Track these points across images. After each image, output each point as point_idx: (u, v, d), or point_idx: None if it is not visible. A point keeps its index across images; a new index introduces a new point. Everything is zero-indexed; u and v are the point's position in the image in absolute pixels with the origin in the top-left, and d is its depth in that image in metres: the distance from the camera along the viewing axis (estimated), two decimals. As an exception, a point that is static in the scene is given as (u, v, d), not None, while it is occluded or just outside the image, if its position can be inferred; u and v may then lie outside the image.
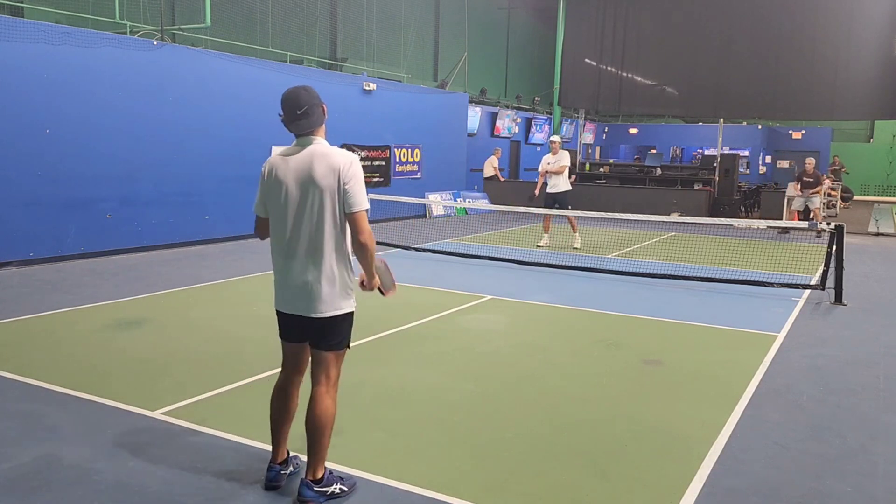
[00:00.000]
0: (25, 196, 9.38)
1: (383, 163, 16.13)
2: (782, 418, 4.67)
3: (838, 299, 8.27)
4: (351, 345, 3.50)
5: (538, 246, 12.16)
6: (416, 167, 17.33)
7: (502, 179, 20.73)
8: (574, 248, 11.95)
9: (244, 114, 12.41)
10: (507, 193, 19.10)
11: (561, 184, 12.29)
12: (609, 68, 19.25)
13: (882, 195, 29.80)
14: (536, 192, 12.88)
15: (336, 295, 3.33)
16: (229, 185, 12.26)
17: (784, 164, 29.38)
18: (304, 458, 3.51)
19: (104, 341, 6.04)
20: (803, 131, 30.26)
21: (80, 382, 4.98)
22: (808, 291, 8.74)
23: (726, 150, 21.96)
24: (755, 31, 17.52)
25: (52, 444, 3.99)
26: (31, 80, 9.36)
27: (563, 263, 10.16)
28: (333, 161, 3.33)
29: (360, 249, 3.33)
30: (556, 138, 12.70)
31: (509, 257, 10.52)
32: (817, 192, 15.04)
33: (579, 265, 10.12)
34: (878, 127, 29.98)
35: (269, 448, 3.71)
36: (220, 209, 12.14)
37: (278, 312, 3.47)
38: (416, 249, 11.57)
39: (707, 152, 27.22)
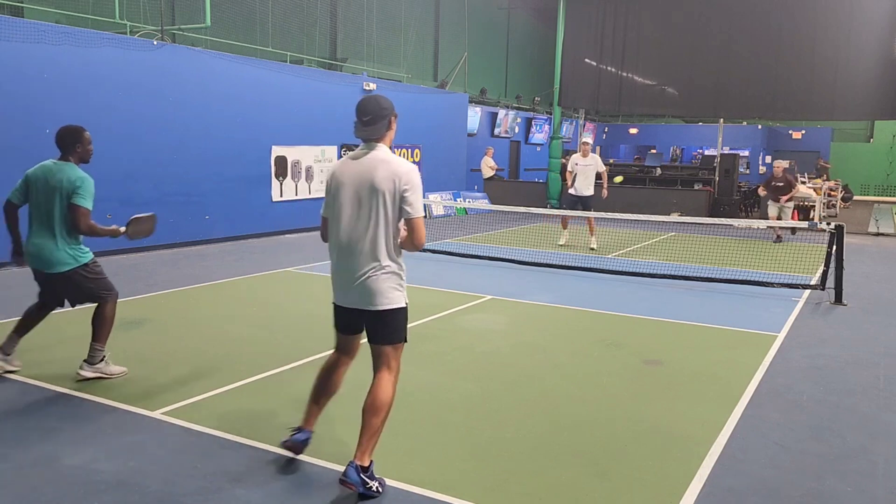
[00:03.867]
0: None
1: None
2: (782, 418, 4.67)
3: (838, 299, 8.27)
4: (360, 341, 3.65)
5: (560, 245, 12.20)
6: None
7: (500, 169, 20.89)
8: (591, 250, 11.96)
9: (244, 114, 12.41)
10: (508, 193, 19.10)
11: (591, 187, 12.26)
12: (609, 68, 19.24)
13: (882, 195, 29.79)
14: (570, 190, 12.51)
15: (389, 290, 3.54)
16: (229, 185, 12.26)
17: (784, 163, 29.34)
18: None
19: None
20: (803, 131, 30.25)
21: (80, 382, 4.98)
22: (808, 291, 8.74)
23: (726, 150, 21.97)
24: (755, 31, 17.51)
25: (52, 444, 3.99)
26: (31, 80, 9.36)
27: (563, 263, 10.16)
28: (395, 168, 3.52)
29: (412, 249, 3.61)
30: (588, 139, 12.71)
31: (509, 257, 10.52)
32: (790, 199, 13.92)
33: (579, 265, 10.13)
34: (878, 127, 29.97)
35: (269, 448, 3.79)
36: (220, 209, 12.14)
37: (336, 306, 3.70)
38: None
39: (707, 152, 27.21)
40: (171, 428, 4.26)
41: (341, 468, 3.72)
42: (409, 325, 6.55)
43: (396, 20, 19.07)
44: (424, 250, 11.39)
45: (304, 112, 13.73)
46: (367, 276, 3.52)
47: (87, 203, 4.74)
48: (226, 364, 5.49)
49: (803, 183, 19.14)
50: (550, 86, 20.89)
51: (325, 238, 3.74)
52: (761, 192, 14.65)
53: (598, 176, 12.38)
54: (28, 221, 4.90)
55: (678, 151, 30.76)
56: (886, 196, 29.69)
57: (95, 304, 5.05)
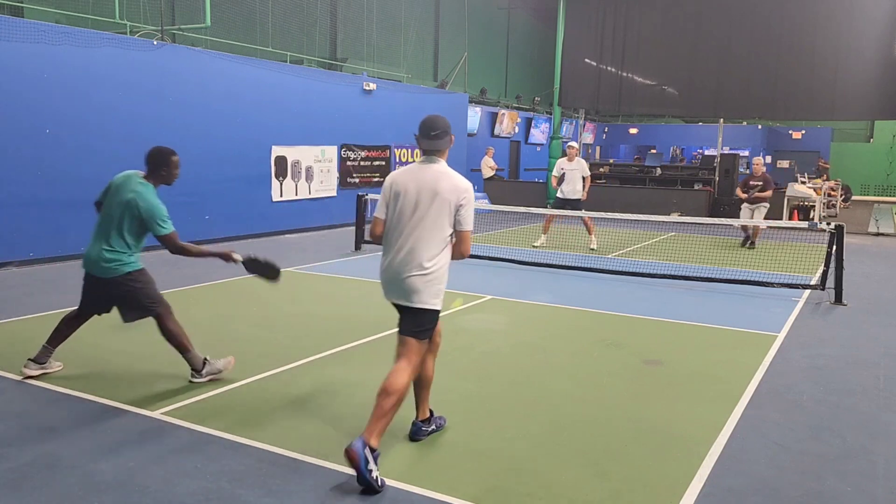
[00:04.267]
0: (25, 196, 9.37)
1: (383, 163, 16.13)
2: (782, 418, 4.67)
3: (838, 299, 8.27)
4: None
5: (534, 246, 12.18)
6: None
7: (500, 169, 20.88)
8: (591, 250, 11.95)
9: (244, 114, 12.41)
10: (508, 193, 19.09)
11: (578, 190, 12.25)
12: (609, 68, 19.23)
13: (882, 195, 29.79)
14: (557, 194, 12.49)
15: (428, 292, 3.84)
16: (229, 185, 12.26)
17: (784, 163, 29.36)
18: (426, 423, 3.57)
19: (104, 341, 6.04)
20: (803, 131, 30.26)
21: (80, 382, 4.98)
22: (808, 291, 8.74)
23: (726, 150, 21.96)
24: (755, 31, 17.51)
25: (52, 444, 3.99)
26: (31, 80, 9.36)
27: (563, 263, 10.16)
28: (456, 182, 3.90)
29: (458, 257, 3.99)
30: (574, 144, 12.68)
31: (509, 257, 10.52)
32: (764, 202, 12.86)
33: (579, 265, 10.13)
34: (878, 127, 29.97)
35: (270, 448, 3.84)
36: (220, 209, 12.14)
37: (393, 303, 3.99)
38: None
39: (707, 152, 27.22)
40: (171, 428, 4.26)
41: (340, 468, 3.73)
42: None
43: (396, 20, 19.07)
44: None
45: (304, 112, 13.73)
46: (412, 275, 3.81)
47: (166, 229, 4.79)
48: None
49: (803, 183, 19.14)
50: (550, 86, 20.89)
51: (374, 236, 4.05)
52: (740, 194, 13.18)
53: (583, 181, 12.36)
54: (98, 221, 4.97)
55: (678, 151, 30.77)
56: (886, 196, 29.69)
57: (155, 322, 5.00)
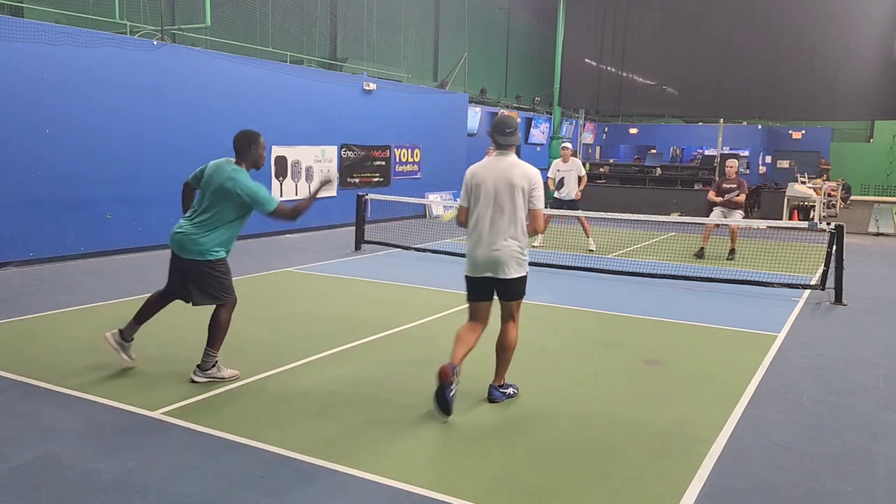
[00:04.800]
0: (25, 196, 9.37)
1: (383, 163, 16.13)
2: (782, 418, 4.67)
3: (838, 299, 8.27)
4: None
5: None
6: (416, 167, 17.32)
7: None
8: (589, 251, 11.94)
9: (244, 114, 12.39)
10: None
11: (574, 191, 12.27)
12: (609, 68, 19.24)
13: (882, 195, 29.79)
14: (555, 195, 12.47)
15: (515, 263, 4.63)
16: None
17: (784, 163, 29.36)
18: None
19: (104, 341, 6.03)
20: (803, 131, 30.24)
21: (80, 382, 4.98)
22: (808, 291, 8.74)
23: (726, 150, 21.97)
24: (755, 31, 17.52)
25: (52, 444, 3.99)
26: (31, 80, 9.35)
27: (563, 263, 10.15)
28: (526, 171, 4.65)
29: (533, 233, 4.77)
30: (568, 145, 12.67)
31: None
32: (739, 208, 11.71)
33: (579, 265, 10.12)
34: (878, 127, 29.97)
35: (270, 448, 3.84)
36: (220, 209, 12.13)
37: (469, 278, 4.75)
38: (416, 249, 11.57)
39: (707, 152, 27.20)
40: (171, 428, 4.26)
41: (341, 468, 3.73)
42: (409, 325, 6.56)
43: (396, 20, 19.06)
44: (425, 250, 11.46)
45: (304, 112, 13.73)
46: (499, 251, 4.58)
47: (272, 204, 4.95)
48: (226, 363, 5.49)
49: (803, 183, 19.14)
50: (550, 86, 20.90)
51: (460, 222, 4.83)
52: (713, 197, 11.82)
53: (579, 181, 12.37)
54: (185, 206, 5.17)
55: (678, 151, 30.75)
56: (886, 196, 29.69)
57: (215, 308, 5.12)
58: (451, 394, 4.36)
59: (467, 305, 4.84)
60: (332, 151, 14.56)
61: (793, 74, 17.19)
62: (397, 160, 16.60)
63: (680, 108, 20.05)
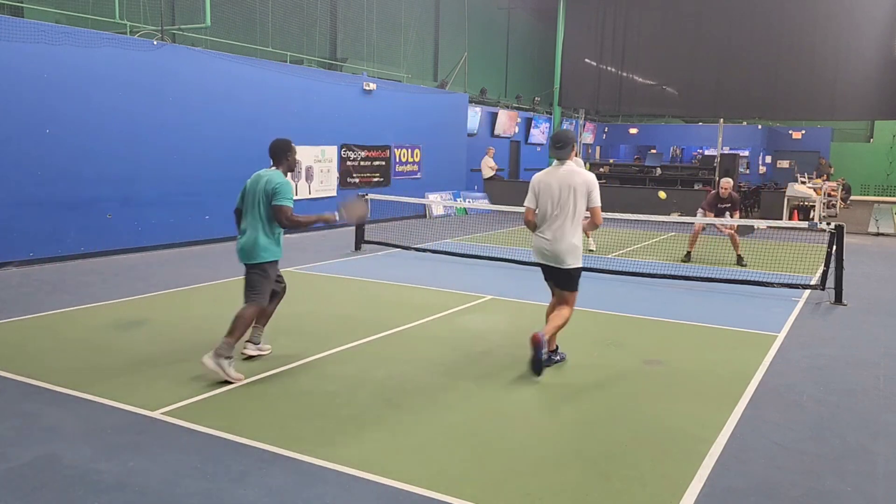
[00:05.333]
0: (25, 196, 9.37)
1: (383, 163, 16.13)
2: (782, 418, 4.67)
3: (838, 299, 8.26)
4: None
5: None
6: (416, 167, 17.32)
7: (500, 169, 20.93)
8: (590, 251, 11.94)
9: (244, 114, 12.40)
10: (508, 193, 19.09)
11: None
12: (609, 68, 19.24)
13: (882, 195, 29.79)
14: None
15: (573, 256, 5.45)
16: (229, 185, 12.18)
17: (784, 164, 29.37)
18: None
19: (104, 341, 6.04)
20: (803, 131, 30.26)
21: (80, 382, 4.98)
22: (808, 291, 8.74)
23: (726, 150, 21.94)
24: (755, 31, 17.52)
25: (52, 444, 3.99)
26: (31, 80, 9.35)
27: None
28: (584, 176, 5.48)
29: (593, 228, 5.75)
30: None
31: (509, 257, 10.52)
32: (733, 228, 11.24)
33: (579, 265, 10.10)
34: (878, 127, 29.97)
35: (270, 448, 3.85)
36: (221, 209, 12.11)
37: (539, 264, 5.66)
38: (416, 249, 11.57)
39: (707, 152, 27.21)
40: (171, 428, 4.26)
41: (341, 468, 3.74)
42: (409, 325, 6.58)
43: (396, 20, 19.06)
44: (425, 250, 11.46)
45: (304, 112, 13.72)
46: (560, 245, 5.41)
47: (286, 202, 5.27)
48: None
49: (803, 183, 19.13)
50: (550, 86, 20.91)
51: (527, 221, 5.63)
52: (707, 214, 11.26)
53: None
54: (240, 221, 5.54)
55: (678, 151, 30.76)
56: (886, 196, 29.69)
57: (244, 302, 5.38)
58: (543, 358, 5.23)
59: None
60: (332, 151, 14.55)
61: (793, 74, 17.19)
62: (397, 160, 16.60)
63: (680, 108, 20.05)
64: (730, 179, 11.38)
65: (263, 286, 5.39)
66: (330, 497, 3.48)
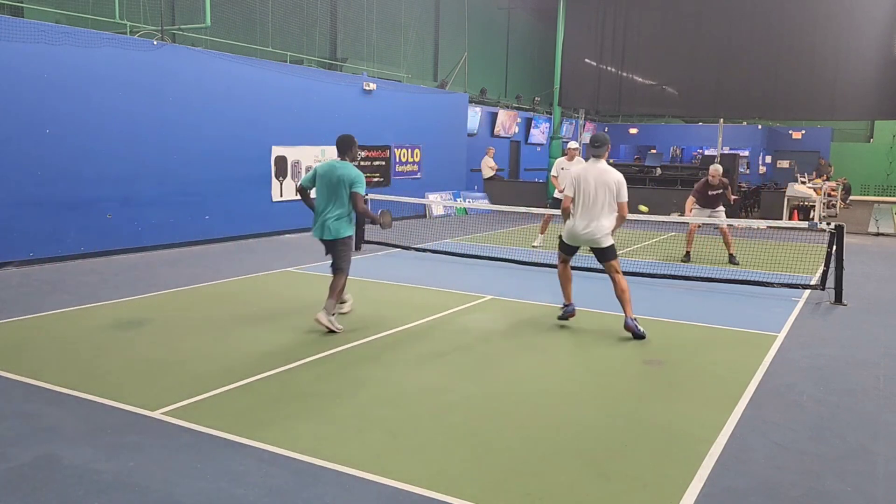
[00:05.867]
0: (25, 196, 9.38)
1: (383, 163, 16.13)
2: (782, 418, 4.67)
3: (838, 299, 8.26)
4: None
5: (533, 246, 12.19)
6: (416, 167, 17.32)
7: (500, 169, 20.90)
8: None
9: (244, 114, 12.40)
10: (508, 193, 19.09)
11: None
12: (609, 68, 19.23)
13: (882, 195, 29.79)
14: (557, 193, 12.01)
15: (606, 237, 6.65)
16: (229, 185, 12.26)
17: (784, 164, 29.36)
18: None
19: (104, 341, 6.04)
20: (803, 131, 30.26)
21: (80, 382, 4.98)
22: (808, 291, 8.74)
23: (726, 150, 21.95)
24: (755, 31, 17.50)
25: (52, 444, 3.99)
26: (31, 80, 9.35)
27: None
28: (615, 175, 6.65)
29: (621, 220, 6.73)
30: (574, 144, 12.59)
31: (509, 257, 10.52)
32: (728, 201, 11.28)
33: (579, 265, 10.09)
34: (878, 127, 29.97)
35: (270, 448, 3.86)
36: (220, 209, 12.14)
37: (565, 243, 6.96)
38: (416, 249, 11.57)
39: (707, 152, 27.20)
40: (171, 428, 4.26)
41: (341, 467, 3.74)
42: (409, 325, 6.60)
43: (396, 20, 19.06)
44: (425, 250, 11.46)
45: (304, 112, 13.72)
46: (595, 228, 6.62)
47: (362, 191, 6.46)
48: (226, 364, 5.49)
49: (803, 183, 19.12)
50: (550, 86, 20.89)
51: (564, 207, 6.84)
52: (693, 205, 11.17)
53: None
54: (317, 202, 6.61)
55: (678, 151, 30.75)
56: (886, 196, 29.70)
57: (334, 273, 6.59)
58: (633, 326, 6.49)
59: (559, 253, 7.08)
60: (332, 151, 14.51)
61: (793, 74, 17.17)
62: (397, 160, 16.60)
63: (680, 108, 20.02)
64: (719, 167, 11.07)
65: (349, 255, 6.55)
66: (330, 497, 3.48)
